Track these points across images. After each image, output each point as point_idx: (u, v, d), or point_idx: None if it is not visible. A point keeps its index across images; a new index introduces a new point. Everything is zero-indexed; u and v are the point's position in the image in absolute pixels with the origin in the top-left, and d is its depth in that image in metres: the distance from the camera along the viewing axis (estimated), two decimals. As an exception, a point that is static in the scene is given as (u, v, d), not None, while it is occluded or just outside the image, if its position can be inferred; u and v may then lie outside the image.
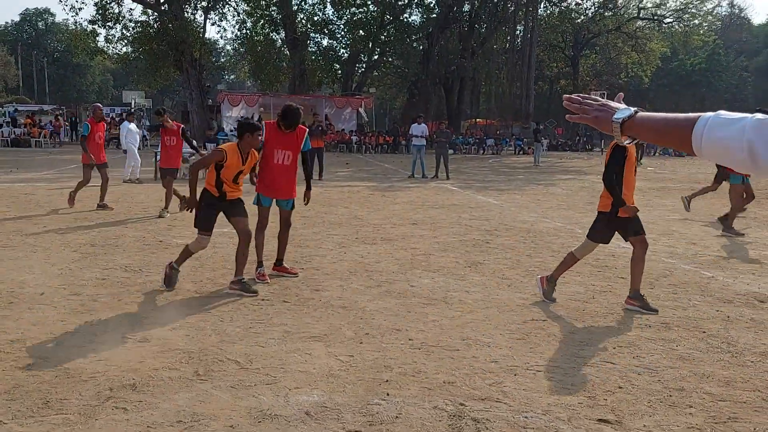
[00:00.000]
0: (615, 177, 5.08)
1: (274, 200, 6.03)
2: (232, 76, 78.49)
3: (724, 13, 63.02)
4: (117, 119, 38.85)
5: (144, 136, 34.04)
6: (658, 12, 47.30)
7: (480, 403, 3.33)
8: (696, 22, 48.06)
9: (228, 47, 63.28)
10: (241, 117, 30.76)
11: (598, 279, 6.24)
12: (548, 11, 46.30)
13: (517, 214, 10.97)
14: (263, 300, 5.24)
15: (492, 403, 3.33)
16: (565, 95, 1.59)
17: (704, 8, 47.50)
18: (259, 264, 5.97)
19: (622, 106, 1.44)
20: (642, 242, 5.20)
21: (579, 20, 46.99)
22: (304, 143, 5.99)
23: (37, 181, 14.69)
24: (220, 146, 5.74)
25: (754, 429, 3.12)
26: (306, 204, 6.28)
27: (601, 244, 5.40)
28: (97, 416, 3.07)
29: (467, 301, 5.35)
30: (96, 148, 10.45)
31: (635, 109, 1.42)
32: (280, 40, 43.13)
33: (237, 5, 41.45)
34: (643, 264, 5.20)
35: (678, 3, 46.69)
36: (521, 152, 38.39)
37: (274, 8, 40.43)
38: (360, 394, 3.43)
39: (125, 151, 15.43)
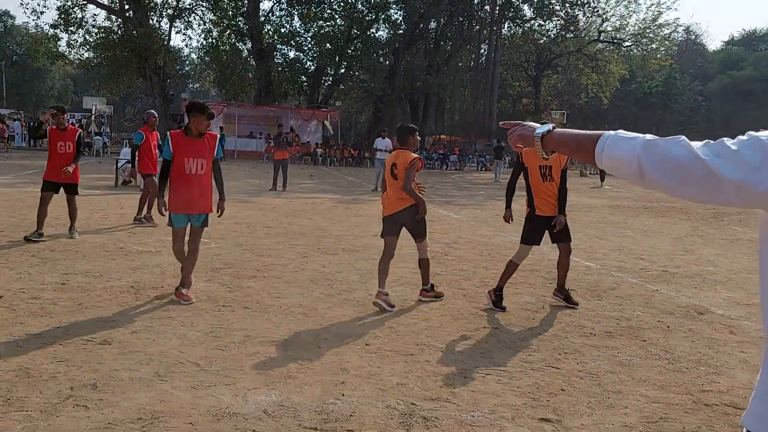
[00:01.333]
0: (514, 183, 6.00)
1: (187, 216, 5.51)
2: (197, 85, 77.89)
3: (680, 39, 65.27)
4: (76, 125, 38.30)
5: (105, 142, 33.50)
6: (618, 35, 48.80)
7: (430, 403, 3.51)
8: (654, 46, 49.69)
9: (193, 56, 62.87)
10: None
11: (548, 290, 6.49)
12: (512, 31, 47.36)
13: (476, 228, 11.26)
14: (224, 306, 5.34)
15: (442, 403, 3.52)
16: (501, 122, 1.84)
17: (661, 33, 49.14)
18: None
19: (542, 125, 1.67)
20: (566, 249, 5.83)
21: (542, 41, 48.16)
22: (216, 150, 5.53)
23: (-7, 186, 14.42)
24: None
25: (683, 428, 3.37)
26: (219, 216, 5.75)
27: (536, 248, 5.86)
28: (58, 413, 3.15)
29: (423, 310, 5.54)
30: (150, 157, 9.90)
31: (552, 125, 1.65)
32: (246, 51, 43.13)
33: (203, 14, 41.41)
34: (568, 266, 5.88)
35: (636, 27, 48.25)
36: (483, 169, 39.04)
37: (241, 19, 40.46)
38: (316, 394, 3.57)
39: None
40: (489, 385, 3.84)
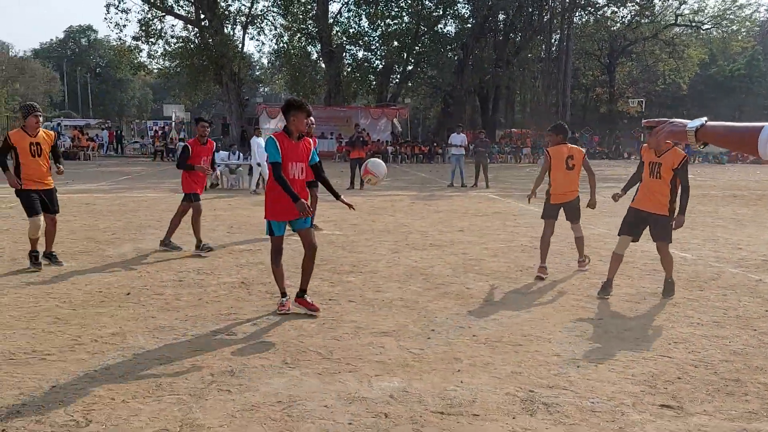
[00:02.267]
0: (635, 177, 6.16)
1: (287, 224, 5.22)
2: (266, 89, 79.91)
3: (763, 19, 61.83)
4: (159, 132, 40.15)
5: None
6: (696, 18, 46.80)
7: (548, 391, 3.61)
8: (735, 28, 47.39)
9: (264, 60, 64.53)
10: (278, 128, 31.42)
11: (648, 282, 6.44)
12: (584, 19, 46.19)
13: (561, 221, 11.14)
14: (330, 300, 5.60)
15: (560, 391, 3.62)
16: (644, 120, 1.96)
17: (743, 14, 46.82)
18: (283, 294, 5.29)
19: (693, 120, 1.77)
20: (663, 247, 5.81)
21: (615, 28, 46.77)
22: (311, 155, 5.31)
23: (96, 192, 15.40)
24: None
25: (809, 416, 3.34)
26: (353, 208, 5.66)
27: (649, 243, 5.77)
28: (206, 397, 3.45)
29: (523, 302, 5.62)
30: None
31: (705, 119, 1.75)
32: (315, 53, 43.97)
33: (274, 19, 42.47)
34: (670, 262, 5.87)
35: (716, 9, 46.14)
36: (557, 161, 38.31)
37: (311, 22, 41.27)
38: (436, 381, 3.74)
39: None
40: (603, 373, 3.90)
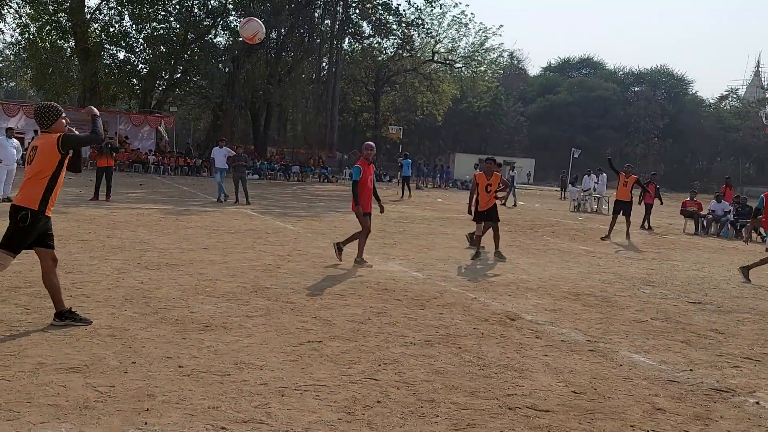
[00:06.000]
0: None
1: None
2: (12, 84, 70.62)
3: (505, 63, 70.64)
4: None
5: None
6: (450, 57, 51.73)
7: (242, 426, 3.35)
8: (482, 69, 53.35)
9: (8, 51, 56.82)
10: (19, 128, 27.74)
11: (377, 301, 6.60)
12: (352, 47, 48.36)
13: (312, 240, 11.21)
14: (18, 330, 4.76)
15: (254, 425, 3.38)
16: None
17: (489, 57, 52.96)
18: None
19: None
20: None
21: (380, 58, 49.69)
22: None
23: None
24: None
25: None
26: None
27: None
28: None
29: (247, 326, 5.35)
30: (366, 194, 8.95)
31: None
32: (69, 49, 39.82)
33: (19, 7, 37.61)
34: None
35: (466, 50, 51.49)
36: (325, 180, 39.27)
37: (64, 15, 37.33)
38: (115, 425, 3.27)
39: None
40: (306, 401, 3.76)
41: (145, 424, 3.30)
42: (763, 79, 76.45)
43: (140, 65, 43.06)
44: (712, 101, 76.34)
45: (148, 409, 3.49)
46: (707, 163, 75.64)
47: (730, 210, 18.00)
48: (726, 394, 4.39)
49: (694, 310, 7.23)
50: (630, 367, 4.88)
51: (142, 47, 42.15)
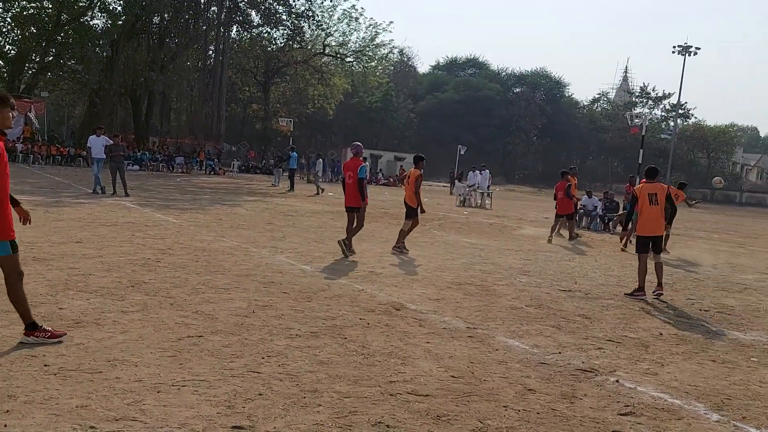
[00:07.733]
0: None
1: None
2: None
3: (396, 60, 71.68)
4: None
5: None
6: (341, 51, 51.77)
7: (113, 424, 3.19)
8: (373, 64, 53.92)
9: None
10: None
11: (263, 294, 6.50)
12: (240, 36, 47.16)
13: (195, 234, 10.84)
14: None
15: (127, 422, 3.23)
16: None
17: (379, 53, 53.59)
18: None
19: None
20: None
21: (270, 48, 48.84)
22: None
23: None
24: None
25: (368, 420, 3.57)
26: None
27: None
28: None
29: (122, 322, 5.09)
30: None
31: None
32: None
33: None
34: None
35: (357, 45, 51.78)
36: (212, 172, 38.09)
37: None
38: (-33, 431, 3.01)
39: None
40: (184, 397, 3.64)
41: (5, 426, 3.06)
42: (630, 83, 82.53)
43: (7, 46, 39.68)
44: (585, 103, 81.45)
45: (8, 411, 3.24)
46: (581, 161, 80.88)
47: (598, 205, 19.35)
48: (590, 374, 4.72)
49: (564, 297, 7.72)
50: (505, 351, 5.13)
51: (9, 27, 38.86)
